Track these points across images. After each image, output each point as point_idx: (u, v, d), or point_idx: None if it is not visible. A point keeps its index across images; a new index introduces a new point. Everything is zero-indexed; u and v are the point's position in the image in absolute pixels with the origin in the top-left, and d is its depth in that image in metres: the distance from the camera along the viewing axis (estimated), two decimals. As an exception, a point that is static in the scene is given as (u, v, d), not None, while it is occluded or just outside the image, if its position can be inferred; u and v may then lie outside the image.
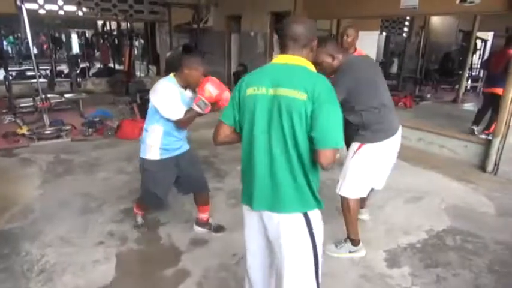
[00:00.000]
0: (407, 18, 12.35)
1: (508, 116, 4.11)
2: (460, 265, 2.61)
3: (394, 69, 12.46)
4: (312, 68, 1.54)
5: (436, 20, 12.18)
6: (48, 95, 5.87)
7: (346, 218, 2.63)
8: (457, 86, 9.49)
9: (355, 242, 2.66)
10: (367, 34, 6.64)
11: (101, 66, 12.10)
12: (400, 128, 2.60)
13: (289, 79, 1.46)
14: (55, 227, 2.96)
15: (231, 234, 2.90)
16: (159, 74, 10.76)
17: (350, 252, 2.67)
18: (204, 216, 2.94)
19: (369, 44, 6.64)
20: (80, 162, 4.42)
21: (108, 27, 14.19)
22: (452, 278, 2.47)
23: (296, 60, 1.51)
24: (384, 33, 13.51)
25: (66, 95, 6.97)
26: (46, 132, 5.25)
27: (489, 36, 12.07)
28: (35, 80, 6.27)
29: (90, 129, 5.48)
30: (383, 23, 12.46)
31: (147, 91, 7.21)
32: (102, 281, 2.37)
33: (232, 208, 3.35)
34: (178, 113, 2.42)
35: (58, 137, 5.25)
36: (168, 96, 2.42)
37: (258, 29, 7.83)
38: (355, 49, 3.52)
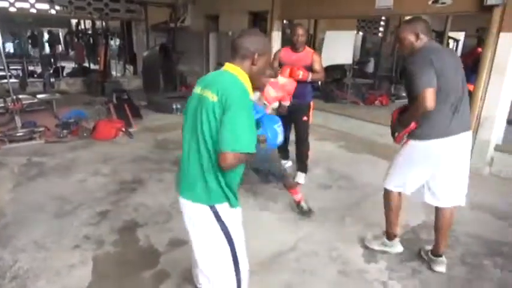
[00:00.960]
0: (383, 18, 12.59)
1: (478, 112, 4.26)
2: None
3: (371, 68, 12.69)
4: (244, 78, 1.59)
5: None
6: (20, 96, 5.70)
7: (384, 210, 2.66)
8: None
9: (389, 236, 2.69)
10: (344, 33, 6.76)
11: (76, 65, 11.80)
12: (464, 135, 2.30)
13: (214, 82, 1.57)
14: (28, 232, 2.88)
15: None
16: (136, 74, 10.60)
17: (384, 245, 2.72)
18: (295, 197, 3.28)
19: (346, 43, 6.73)
20: (54, 165, 4.31)
21: (82, 26, 13.86)
22: (427, 271, 2.54)
23: (232, 69, 1.60)
24: (361, 33, 13.74)
25: (39, 96, 6.76)
26: (18, 134, 5.08)
27: (461, 36, 12.45)
28: (5, 81, 6.06)
29: (64, 131, 5.33)
30: (359, 22, 12.67)
31: (124, 91, 7.16)
32: (78, 286, 2.32)
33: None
34: None
35: (31, 139, 5.09)
36: None
37: (236, 29, 7.80)
38: (304, 47, 3.74)
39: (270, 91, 2.95)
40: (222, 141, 1.46)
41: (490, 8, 3.98)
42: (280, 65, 3.71)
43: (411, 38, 2.27)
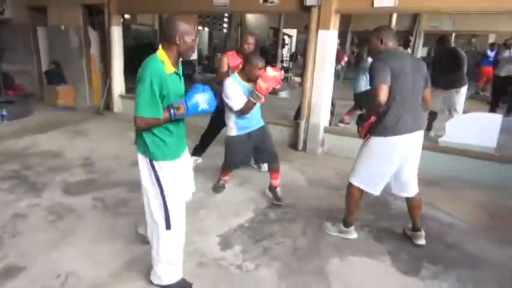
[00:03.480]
0: (226, 15, 13.13)
1: (309, 100, 4.85)
2: (281, 234, 2.97)
3: (219, 63, 13.12)
4: (162, 56, 1.99)
5: (251, 17, 13.34)
6: None
7: (346, 201, 2.87)
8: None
9: (347, 224, 2.91)
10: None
11: None
12: (418, 133, 2.61)
13: None
14: None
15: (49, 254, 2.59)
16: None
17: (340, 232, 2.94)
18: (274, 182, 3.47)
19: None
20: None
21: None
22: (276, 246, 2.79)
23: (158, 50, 2.03)
24: (207, 29, 14.04)
25: None
26: None
27: (294, 32, 13.95)
28: None
29: None
30: (204, 18, 12.93)
31: None
32: None
33: (54, 225, 2.99)
34: (239, 104, 3.10)
35: None
36: (231, 91, 3.11)
37: (69, 23, 7.06)
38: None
39: (262, 84, 2.97)
40: (134, 107, 1.95)
41: (309, 8, 4.55)
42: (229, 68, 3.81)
43: (377, 42, 2.60)
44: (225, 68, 3.88)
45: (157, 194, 2.12)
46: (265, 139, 3.39)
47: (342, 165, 4.47)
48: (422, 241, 2.82)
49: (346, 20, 10.99)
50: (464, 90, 5.18)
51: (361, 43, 5.38)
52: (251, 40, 3.87)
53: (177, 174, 2.18)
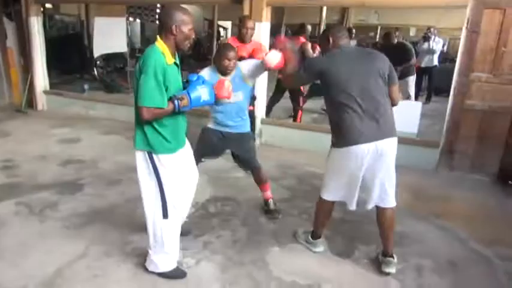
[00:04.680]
0: (158, 6, 12.68)
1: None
2: (221, 227, 2.97)
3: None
4: (162, 47, 2.01)
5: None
6: None
7: (315, 213, 2.67)
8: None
9: (314, 236, 2.70)
10: (114, 20, 6.48)
11: None
12: (385, 141, 2.25)
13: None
14: None
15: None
16: None
17: (307, 242, 2.74)
18: (263, 194, 3.22)
19: (118, 30, 6.47)
20: None
21: None
22: (216, 240, 2.79)
23: (156, 40, 2.04)
24: (138, 20, 13.49)
25: None
26: None
27: (228, 24, 13.90)
28: None
29: None
30: (135, 9, 12.41)
31: None
32: None
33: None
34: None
35: None
36: None
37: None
38: (251, 41, 3.68)
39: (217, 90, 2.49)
40: (137, 98, 1.97)
41: (241, 0, 4.56)
42: None
43: (324, 42, 2.40)
44: None
45: (155, 185, 2.16)
46: (240, 146, 3.11)
47: (281, 156, 4.58)
48: (391, 269, 2.44)
49: (280, 13, 11.20)
50: (412, 79, 5.66)
51: (294, 35, 5.48)
52: (250, 24, 3.62)
53: (177, 167, 2.22)
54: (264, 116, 5.12)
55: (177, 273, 2.37)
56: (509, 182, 3.96)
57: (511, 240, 2.95)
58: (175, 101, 2.01)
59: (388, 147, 2.27)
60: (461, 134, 4.15)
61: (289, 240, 2.83)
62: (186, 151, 2.37)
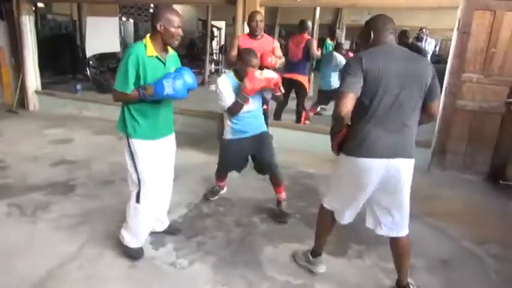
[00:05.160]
0: (151, 5, 12.63)
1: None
2: (215, 228, 2.97)
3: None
4: (146, 41, 2.21)
5: (179, 9, 12.97)
6: None
7: (316, 226, 2.43)
8: (203, 70, 10.54)
9: (314, 253, 2.46)
10: (107, 20, 6.44)
11: None
12: (400, 162, 1.97)
13: None
14: None
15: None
16: None
17: (308, 263, 2.47)
18: (277, 196, 3.17)
19: (110, 30, 6.44)
20: None
21: None
22: (210, 241, 2.79)
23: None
24: (131, 20, 13.44)
25: None
26: None
27: (222, 25, 13.88)
28: None
29: None
30: (128, 9, 12.36)
31: None
32: None
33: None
34: (226, 103, 2.92)
35: None
36: (220, 88, 2.92)
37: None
38: (263, 34, 3.62)
39: (247, 84, 2.77)
40: None
41: (235, 1, 4.56)
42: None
43: (364, 35, 2.04)
44: (234, 51, 3.58)
45: (133, 169, 2.35)
46: (260, 145, 3.06)
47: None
48: None
49: (273, 13, 11.20)
50: None
51: (288, 35, 5.42)
52: (259, 16, 3.54)
53: (150, 156, 2.35)
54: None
55: (134, 253, 2.51)
56: (500, 181, 4.01)
57: (501, 238, 2.98)
58: (140, 90, 2.18)
59: (404, 168, 1.98)
60: (452, 134, 4.19)
61: (283, 240, 2.83)
62: (166, 145, 2.49)
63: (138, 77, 2.19)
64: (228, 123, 3.08)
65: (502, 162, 4.01)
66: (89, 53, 7.42)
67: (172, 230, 2.84)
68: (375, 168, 1.94)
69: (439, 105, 2.01)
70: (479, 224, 3.20)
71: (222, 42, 13.90)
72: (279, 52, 3.84)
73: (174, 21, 2.19)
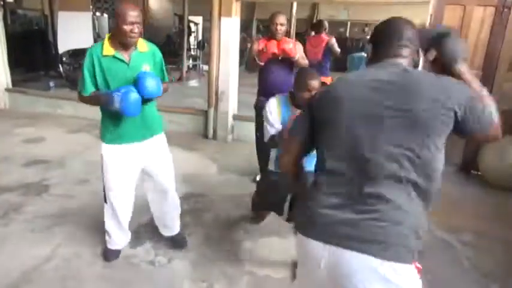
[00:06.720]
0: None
1: (216, 88, 4.85)
2: (194, 224, 2.96)
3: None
4: (105, 41, 2.09)
5: (154, 4, 12.78)
6: None
7: None
8: (181, 66, 10.41)
9: None
10: (79, 15, 6.28)
11: None
12: (359, 258, 1.15)
13: None
14: None
15: None
16: None
17: None
18: None
19: (83, 25, 6.27)
20: None
21: None
22: (189, 237, 2.77)
23: None
24: (106, 15, 13.14)
25: None
26: None
27: (200, 20, 13.74)
28: None
29: None
30: (102, 4, 12.07)
31: None
32: None
33: None
34: (266, 134, 2.41)
35: None
36: (266, 114, 2.41)
37: None
38: (283, 37, 3.22)
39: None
40: None
41: (209, -5, 4.52)
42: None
43: (369, 48, 1.38)
44: (252, 56, 3.32)
45: (100, 170, 2.34)
46: None
47: (252, 151, 4.57)
48: None
49: (250, 8, 11.18)
50: None
51: (315, 33, 5.12)
52: (282, 19, 3.17)
53: (113, 160, 2.27)
54: (236, 112, 5.11)
55: (108, 254, 2.48)
56: (471, 171, 4.14)
57: (472, 226, 3.09)
58: (114, 95, 2.00)
59: (364, 267, 1.16)
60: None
61: (261, 234, 2.84)
62: (143, 149, 2.32)
63: (94, 76, 2.08)
64: (273, 152, 2.53)
65: (474, 154, 4.14)
66: (62, 49, 7.21)
67: (178, 239, 2.66)
68: (320, 255, 1.24)
69: (486, 135, 1.23)
70: (452, 213, 3.30)
71: (200, 38, 13.77)
72: (301, 54, 3.38)
73: (127, 16, 1.95)
